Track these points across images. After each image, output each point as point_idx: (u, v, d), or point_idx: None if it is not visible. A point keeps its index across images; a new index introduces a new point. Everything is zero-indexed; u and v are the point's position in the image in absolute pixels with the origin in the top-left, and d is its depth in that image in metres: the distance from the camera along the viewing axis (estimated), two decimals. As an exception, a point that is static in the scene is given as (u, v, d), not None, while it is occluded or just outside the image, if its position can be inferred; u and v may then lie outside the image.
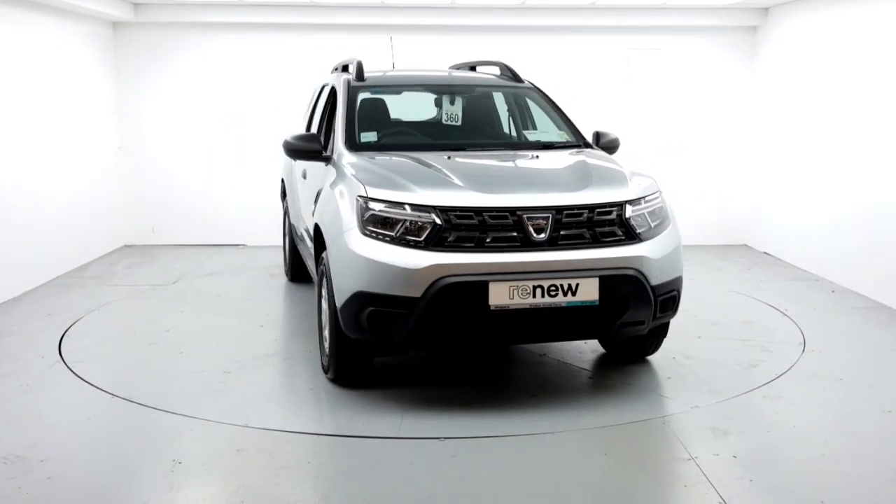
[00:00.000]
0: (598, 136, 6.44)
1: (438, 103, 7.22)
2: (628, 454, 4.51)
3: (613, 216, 5.12)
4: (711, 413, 5.09)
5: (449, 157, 5.75)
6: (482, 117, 7.09)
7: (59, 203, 8.92)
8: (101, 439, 4.76)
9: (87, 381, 5.62)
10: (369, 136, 6.34)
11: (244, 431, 4.81)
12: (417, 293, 4.80)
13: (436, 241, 4.88)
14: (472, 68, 7.70)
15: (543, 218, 4.97)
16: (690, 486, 4.12)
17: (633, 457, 4.48)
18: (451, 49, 10.00)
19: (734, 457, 4.46)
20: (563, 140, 6.43)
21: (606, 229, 5.08)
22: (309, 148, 6.08)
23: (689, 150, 10.89)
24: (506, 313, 4.85)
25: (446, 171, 5.33)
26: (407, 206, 4.97)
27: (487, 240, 4.92)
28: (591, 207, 5.08)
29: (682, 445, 4.59)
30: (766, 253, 10.30)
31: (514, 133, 6.97)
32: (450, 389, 5.50)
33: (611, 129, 6.64)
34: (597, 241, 5.04)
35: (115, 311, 7.46)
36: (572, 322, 5.03)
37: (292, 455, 4.52)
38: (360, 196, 5.12)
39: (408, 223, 4.94)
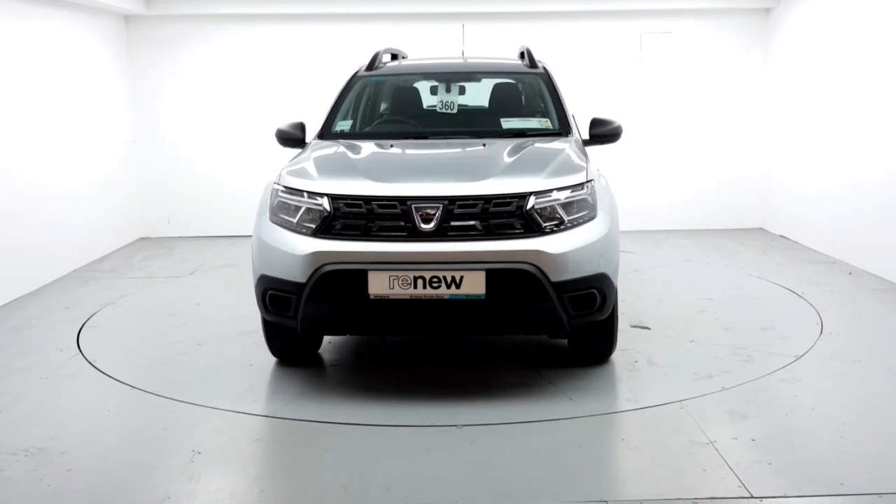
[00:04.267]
0: (593, 123, 6.19)
1: (434, 91, 7.17)
2: (646, 439, 4.51)
3: (512, 208, 4.88)
4: (729, 397, 5.08)
5: (392, 146, 5.85)
6: (478, 105, 7.02)
7: (75, 197, 8.97)
8: (121, 431, 4.79)
9: (105, 374, 5.65)
10: (344, 125, 6.43)
11: (262, 421, 4.85)
12: (303, 279, 4.87)
13: (324, 228, 4.94)
14: (523, 55, 7.53)
15: (433, 208, 4.85)
16: (709, 470, 4.11)
17: (650, 441, 4.48)
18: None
19: (753, 440, 4.44)
20: (543, 128, 6.22)
21: (502, 221, 4.87)
22: (293, 136, 6.20)
23: (703, 133, 10.83)
24: (386, 303, 4.80)
25: (360, 160, 5.44)
26: (305, 194, 5.08)
27: (374, 228, 4.89)
28: (488, 198, 4.88)
29: (700, 430, 4.58)
30: (781, 236, 10.25)
31: (506, 119, 6.67)
32: (459, 376, 5.50)
33: (614, 117, 6.32)
34: (490, 234, 4.85)
35: (132, 303, 7.49)
36: (456, 315, 4.87)
37: (310, 444, 4.54)
38: (275, 183, 5.33)
39: (305, 210, 5.04)
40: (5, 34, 7.80)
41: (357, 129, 6.54)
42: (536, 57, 6.97)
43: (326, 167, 5.39)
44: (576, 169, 5.23)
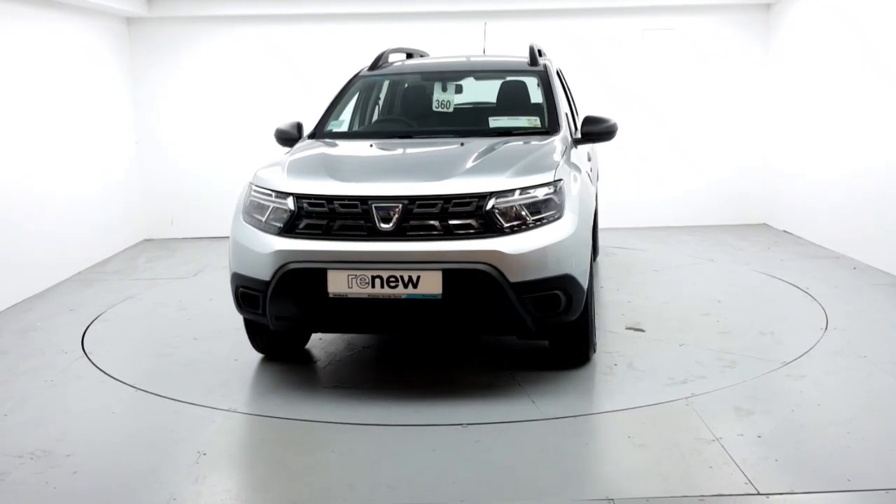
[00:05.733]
0: (586, 121, 6.07)
1: (431, 91, 7.16)
2: (651, 436, 4.50)
3: (472, 208, 4.84)
4: (735, 393, 5.07)
5: (371, 146, 5.92)
6: (478, 103, 7.00)
7: (78, 199, 8.97)
8: (126, 432, 4.79)
9: (110, 375, 5.65)
10: (337, 125, 6.48)
11: (267, 421, 4.85)
12: (268, 277, 4.95)
13: (289, 227, 5.01)
14: (539, 52, 7.44)
15: (392, 207, 4.86)
16: (716, 467, 4.11)
17: (656, 439, 4.47)
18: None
19: (759, 436, 4.43)
20: (531, 126, 6.13)
21: (462, 221, 4.84)
22: (290, 135, 6.29)
23: (706, 129, 10.82)
24: (345, 301, 4.84)
25: (330, 160, 5.50)
26: (273, 194, 5.15)
27: (335, 227, 4.93)
28: (448, 198, 4.86)
29: (705, 426, 4.57)
30: (785, 231, 10.23)
31: (494, 118, 6.58)
32: (460, 375, 5.49)
33: (610, 114, 6.18)
34: (449, 234, 4.83)
35: (136, 305, 7.50)
36: (414, 315, 4.88)
37: (316, 444, 4.54)
38: (250, 183, 5.42)
39: (272, 209, 5.11)
40: (8, 37, 7.80)
41: (349, 129, 6.57)
42: (547, 54, 6.91)
43: (297, 167, 5.44)
44: (544, 168, 5.13)
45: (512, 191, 4.93)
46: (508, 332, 5.15)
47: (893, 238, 7.83)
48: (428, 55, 8.02)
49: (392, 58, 7.35)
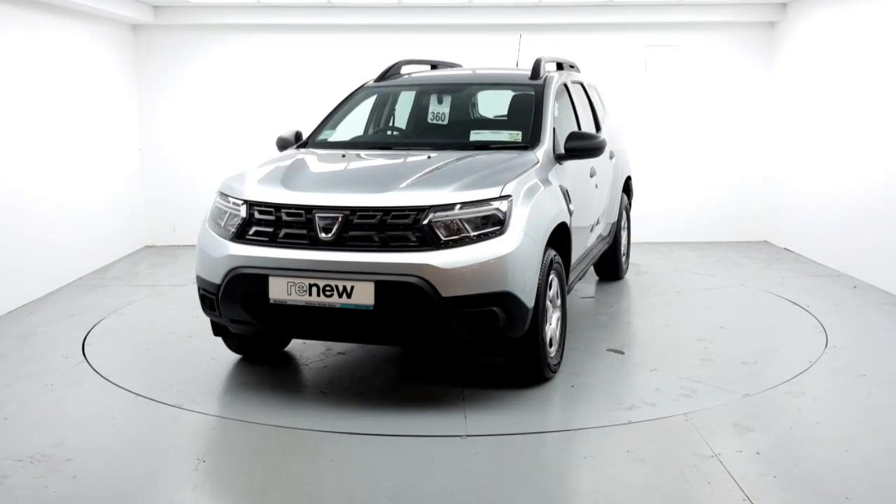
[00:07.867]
0: (570, 136, 6.02)
1: (427, 103, 7.12)
2: (651, 451, 4.50)
3: (410, 220, 4.87)
4: (734, 410, 5.07)
5: (344, 156, 6.02)
6: (470, 117, 7.09)
7: (80, 205, 8.99)
8: (126, 438, 4.80)
9: (110, 381, 5.66)
10: (329, 134, 6.58)
11: (266, 429, 4.84)
12: (218, 280, 5.14)
13: (240, 233, 5.18)
14: (559, 66, 7.39)
15: (332, 218, 4.95)
16: (714, 483, 4.11)
17: (655, 454, 4.47)
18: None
19: (757, 453, 4.44)
20: (511, 140, 6.04)
21: (399, 233, 4.88)
22: (289, 143, 6.49)
23: (708, 146, 10.84)
24: (284, 308, 4.96)
25: (289, 169, 5.60)
26: (231, 201, 5.35)
27: (280, 235, 5.05)
28: (387, 210, 4.90)
29: (704, 442, 4.57)
30: (786, 249, 10.25)
31: (476, 132, 6.54)
32: (460, 386, 5.48)
33: (596, 132, 6.12)
34: (386, 245, 4.88)
35: (137, 311, 7.51)
36: (347, 324, 4.96)
37: (314, 453, 4.54)
38: (218, 190, 5.59)
39: (229, 216, 5.31)
40: (14, 43, 7.83)
41: (339, 139, 6.60)
42: (577, 66, 6.91)
43: (258, 175, 5.57)
44: (493, 183, 5.09)
45: (452, 205, 4.93)
46: (443, 346, 5.19)
47: (894, 257, 7.85)
48: (460, 66, 8.03)
49: (413, 68, 7.36)
